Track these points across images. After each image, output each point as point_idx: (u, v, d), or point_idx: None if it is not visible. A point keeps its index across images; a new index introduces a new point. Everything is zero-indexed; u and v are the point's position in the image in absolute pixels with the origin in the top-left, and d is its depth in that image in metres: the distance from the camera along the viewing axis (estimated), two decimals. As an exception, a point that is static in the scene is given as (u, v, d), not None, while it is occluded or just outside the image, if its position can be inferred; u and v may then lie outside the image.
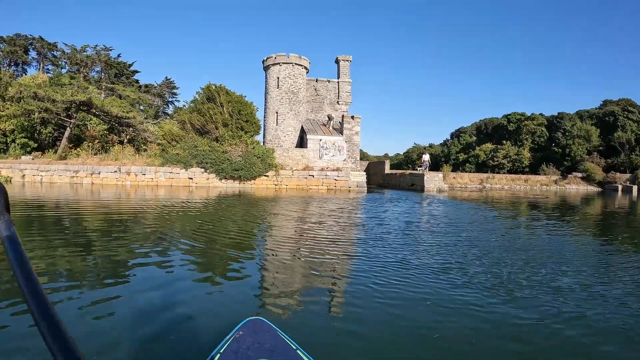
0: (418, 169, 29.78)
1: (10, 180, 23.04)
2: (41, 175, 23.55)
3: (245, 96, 26.26)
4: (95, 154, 27.29)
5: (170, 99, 51.80)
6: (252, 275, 5.15)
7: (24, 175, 23.69)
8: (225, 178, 23.80)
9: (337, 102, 31.26)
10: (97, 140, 30.09)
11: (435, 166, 44.17)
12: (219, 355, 1.89)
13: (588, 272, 5.53)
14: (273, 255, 6.45)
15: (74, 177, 23.43)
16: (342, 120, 27.21)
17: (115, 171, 23.83)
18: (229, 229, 8.87)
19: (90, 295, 4.08)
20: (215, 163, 23.55)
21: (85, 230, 8.18)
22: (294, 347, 1.99)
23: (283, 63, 29.21)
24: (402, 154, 75.85)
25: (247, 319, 2.21)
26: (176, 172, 23.81)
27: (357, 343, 3.12)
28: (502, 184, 34.79)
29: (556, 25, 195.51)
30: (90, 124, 33.37)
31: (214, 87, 26.07)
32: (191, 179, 23.84)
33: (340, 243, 7.56)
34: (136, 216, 10.57)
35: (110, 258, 5.87)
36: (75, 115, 29.97)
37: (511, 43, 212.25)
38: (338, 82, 31.47)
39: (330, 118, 29.42)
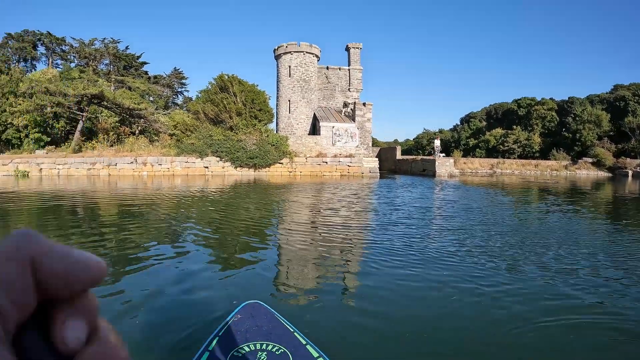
0: (435, 153, 30.44)
1: (28, 175, 23.93)
2: (58, 169, 24.32)
3: (257, 85, 27.05)
4: (111, 145, 28.12)
5: (179, 89, 52.58)
6: (265, 260, 5.27)
7: (41, 169, 24.47)
8: (241, 166, 24.62)
9: (349, 89, 31.98)
10: (111, 133, 31.00)
11: (445, 151, 44.72)
12: (217, 338, 1.96)
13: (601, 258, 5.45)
14: (287, 240, 6.63)
15: (90, 169, 24.26)
16: (354, 107, 27.96)
17: (132, 162, 24.68)
18: (244, 215, 9.20)
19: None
20: (230, 152, 24.36)
21: (106, 218, 8.78)
22: (291, 330, 2.06)
23: (294, 52, 29.89)
24: (412, 139, 76.59)
25: (245, 303, 2.27)
26: (192, 162, 24.63)
27: (369, 324, 3.22)
28: (512, 169, 35.25)
29: (567, 8, 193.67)
30: (102, 116, 34.20)
31: (226, 77, 26.82)
32: (207, 167, 24.66)
33: (354, 228, 7.71)
34: (153, 204, 11.08)
35: (127, 243, 6.26)
36: (87, 108, 30.71)
37: (522, 27, 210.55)
38: (349, 70, 32.15)
39: (346, 105, 30.16)
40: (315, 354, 1.90)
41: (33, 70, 45.35)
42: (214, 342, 1.94)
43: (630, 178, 34.89)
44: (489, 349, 2.92)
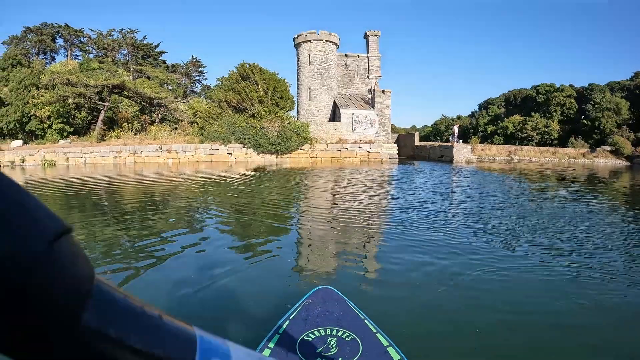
0: (452, 140, 31.32)
1: (55, 164, 25.33)
2: (85, 158, 25.53)
3: (277, 73, 28.21)
4: (135, 134, 29.42)
5: (197, 78, 54.20)
6: (290, 246, 5.49)
7: (67, 158, 25.78)
8: (263, 152, 25.85)
9: (367, 76, 33.01)
10: (136, 121, 32.40)
11: (463, 138, 45.27)
12: (288, 321, 2.01)
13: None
14: (309, 225, 6.84)
15: (116, 157, 25.50)
16: (373, 94, 29.00)
17: (157, 150, 25.92)
18: (268, 200, 9.63)
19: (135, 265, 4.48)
20: (253, 138, 25.58)
21: (137, 203, 9.33)
22: (362, 317, 2.08)
23: (314, 40, 30.91)
24: (430, 126, 76.94)
25: (317, 287, 2.31)
26: (215, 149, 25.91)
27: (438, 316, 3.23)
28: (530, 156, 35.88)
29: None
30: (122, 106, 35.72)
31: (247, 66, 28.02)
32: (230, 154, 25.92)
33: (376, 212, 8.01)
34: (179, 190, 11.76)
35: (159, 226, 6.60)
36: (108, 98, 32.08)
37: (541, 13, 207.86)
38: (368, 57, 33.16)
39: (369, 92, 31.17)
40: (385, 343, 1.93)
41: (52, 62, 47.01)
42: (285, 324, 2.00)
43: None
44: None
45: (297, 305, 2.15)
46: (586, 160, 37.66)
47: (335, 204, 9.26)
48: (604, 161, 38.10)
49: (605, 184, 16.28)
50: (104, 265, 4.46)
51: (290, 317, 2.05)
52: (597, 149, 40.28)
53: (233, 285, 3.83)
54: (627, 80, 50.59)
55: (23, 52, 44.46)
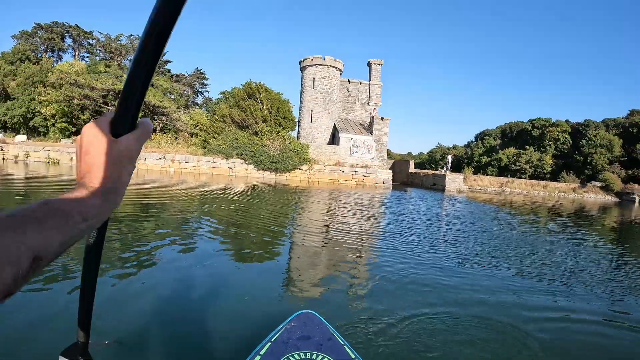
0: (446, 169, 33.10)
1: (59, 162, 26.51)
2: None
3: (282, 94, 30.02)
4: None
5: (200, 89, 55.94)
6: (281, 263, 5.82)
7: (72, 158, 26.83)
8: (263, 169, 27.42)
9: (368, 103, 35.09)
10: (140, 129, 33.80)
11: (457, 167, 47.13)
12: (270, 343, 2.08)
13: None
14: (302, 244, 7.18)
15: None
16: (372, 120, 30.88)
17: (160, 158, 27.23)
18: (263, 216, 10.09)
19: (122, 275, 4.53)
20: (254, 155, 27.16)
21: (133, 208, 9.58)
22: (342, 343, 2.14)
23: (319, 65, 32.91)
24: (425, 153, 79.88)
25: (300, 312, 2.38)
26: (217, 162, 27.38)
27: (422, 343, 3.34)
28: (521, 189, 37.33)
29: (588, 32, 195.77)
30: None
31: (254, 85, 29.81)
32: (231, 168, 27.42)
33: (367, 235, 8.51)
34: (178, 199, 12.44)
35: (152, 235, 6.80)
36: (113, 102, 33.49)
37: (542, 48, 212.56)
38: (369, 85, 35.27)
39: (370, 118, 33.02)
40: None
41: (59, 61, 48.55)
42: (267, 346, 2.05)
43: (637, 204, 36.09)
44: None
45: (279, 328, 2.23)
46: (576, 195, 39.17)
47: (327, 225, 9.82)
48: (593, 196, 39.73)
49: (586, 218, 16.96)
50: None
51: (272, 340, 2.10)
52: (588, 184, 41.93)
53: (216, 302, 3.91)
54: (623, 118, 52.57)
55: (32, 48, 45.98)
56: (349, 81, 35.10)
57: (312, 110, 33.20)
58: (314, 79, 33.07)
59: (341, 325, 3.38)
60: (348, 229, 9.10)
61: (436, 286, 4.97)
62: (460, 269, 5.96)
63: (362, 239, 7.92)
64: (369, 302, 4.25)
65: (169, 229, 7.55)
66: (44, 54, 47.92)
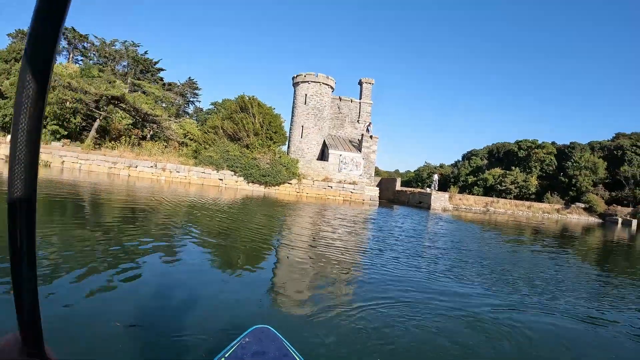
0: (432, 187, 34.21)
1: (50, 165, 26.32)
2: (80, 163, 26.71)
3: (274, 108, 30.97)
4: (132, 148, 31.15)
5: (191, 99, 56.74)
6: (263, 277, 5.89)
7: (63, 161, 26.86)
8: (253, 182, 28.18)
9: (358, 120, 36.29)
10: (133, 135, 34.41)
11: (444, 186, 48.29)
12: (223, 359, 2.05)
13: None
14: (287, 257, 7.40)
15: (112, 167, 26.85)
16: (362, 138, 31.97)
17: (152, 166, 27.64)
18: (250, 228, 10.37)
19: (99, 280, 4.59)
20: (245, 168, 27.93)
21: (120, 216, 9.86)
22: (298, 359, 2.15)
23: (312, 82, 34.12)
24: (412, 171, 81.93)
25: (254, 327, 2.38)
26: (208, 173, 28.01)
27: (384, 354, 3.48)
28: (505, 209, 38.50)
29: (576, 56, 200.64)
30: (116, 117, 37.14)
31: (247, 98, 30.72)
32: (221, 180, 28.07)
33: (352, 250, 8.82)
34: (167, 208, 12.69)
35: (136, 245, 6.79)
36: (105, 108, 33.84)
37: (531, 71, 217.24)
38: (360, 103, 36.53)
39: (360, 136, 34.05)
40: None
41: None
42: None
43: (619, 225, 37.78)
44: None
45: (233, 343, 2.20)
46: (560, 215, 40.60)
47: (311, 239, 10.16)
48: (577, 217, 41.10)
49: (567, 238, 17.06)
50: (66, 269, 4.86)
51: (225, 356, 2.08)
52: (572, 205, 43.31)
53: (177, 313, 3.88)
54: (608, 141, 54.37)
55: (26, 48, 46.13)
56: (340, 99, 36.33)
57: (303, 126, 34.28)
58: (306, 95, 34.21)
59: (299, 340, 3.40)
60: (331, 243, 9.39)
61: (404, 299, 5.21)
62: (438, 283, 6.36)
63: (343, 254, 8.12)
64: (334, 318, 4.28)
65: (153, 237, 7.62)
66: (38, 55, 48.07)
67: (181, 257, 6.33)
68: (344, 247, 9.03)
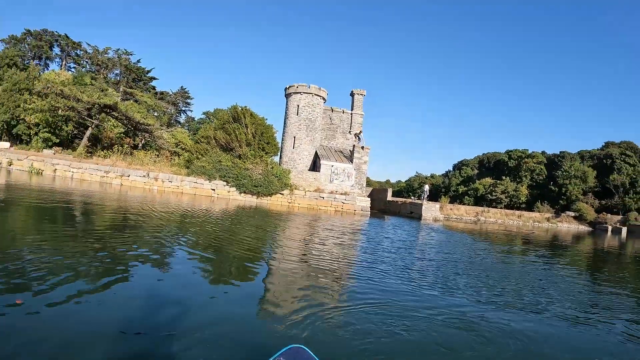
0: (423, 198, 34.63)
1: (42, 173, 26.38)
2: (72, 172, 26.82)
3: (266, 119, 31.33)
4: (124, 157, 31.34)
5: (183, 108, 57.10)
6: (256, 287, 6.01)
7: (55, 169, 26.95)
8: (245, 192, 28.44)
9: (349, 131, 36.81)
10: (125, 144, 34.59)
11: (435, 196, 48.92)
12: None
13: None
14: (279, 268, 7.49)
15: (104, 176, 26.94)
16: (353, 149, 32.42)
17: (144, 176, 27.80)
18: (242, 239, 10.47)
19: (90, 291, 4.60)
20: (237, 178, 28.20)
21: (112, 225, 10.00)
22: None
23: (304, 93, 34.62)
24: (403, 181, 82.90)
25: (290, 346, 2.39)
26: (200, 183, 28.21)
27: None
28: (496, 218, 39.12)
29: (565, 65, 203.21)
30: (108, 125, 37.41)
31: (240, 109, 31.06)
32: (214, 190, 28.26)
33: (344, 260, 9.06)
34: (160, 217, 12.79)
35: (126, 254, 6.87)
36: (97, 116, 34.02)
37: (521, 80, 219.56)
38: (351, 114, 37.09)
39: (352, 147, 34.49)
40: None
41: (46, 69, 49.13)
42: None
43: (609, 233, 38.63)
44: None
45: None
46: (550, 224, 41.18)
47: (307, 250, 10.29)
48: (567, 226, 41.74)
49: (556, 247, 17.13)
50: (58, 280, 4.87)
51: None
52: (562, 214, 44.00)
53: (196, 332, 3.83)
54: (597, 150, 55.36)
55: (19, 54, 46.36)
56: (332, 109, 36.86)
57: (295, 137, 34.70)
58: (298, 106, 34.67)
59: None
60: (327, 255, 9.56)
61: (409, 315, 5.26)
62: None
63: (343, 265, 8.33)
64: (359, 338, 4.27)
65: (146, 248, 7.64)
66: (32, 61, 48.47)
67: (171, 269, 6.36)
68: (339, 259, 9.19)
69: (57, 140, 36.40)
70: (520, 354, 4.33)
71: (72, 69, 49.73)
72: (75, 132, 36.67)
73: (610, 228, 40.49)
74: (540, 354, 4.42)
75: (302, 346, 2.41)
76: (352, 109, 37.20)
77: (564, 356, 4.46)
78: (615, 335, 5.43)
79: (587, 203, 45.94)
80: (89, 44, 49.86)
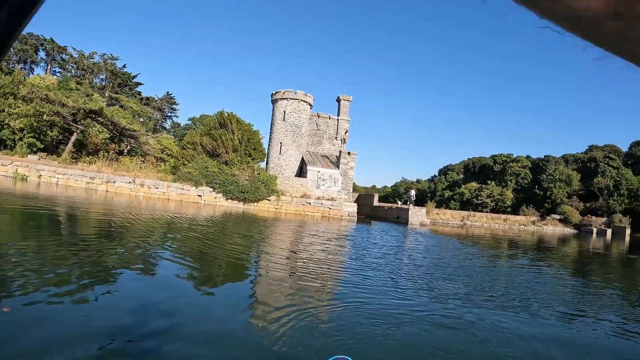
0: (410, 203, 34.88)
1: (27, 179, 26.05)
2: (57, 178, 26.63)
3: (253, 125, 31.47)
4: (109, 163, 31.10)
5: (169, 114, 56.95)
6: (242, 291, 6.11)
7: (40, 175, 26.73)
8: (232, 198, 28.48)
9: (336, 137, 37.14)
10: (111, 150, 34.36)
11: (421, 201, 49.24)
12: None
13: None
14: (266, 273, 7.56)
15: (89, 182, 26.73)
16: (339, 155, 32.65)
17: (130, 182, 27.64)
18: (229, 245, 10.57)
19: (80, 297, 4.59)
20: (224, 184, 28.25)
21: (99, 231, 10.05)
22: None
23: (290, 98, 34.86)
24: (390, 187, 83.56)
25: (334, 357, 2.43)
26: (187, 189, 28.20)
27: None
28: (482, 222, 39.60)
29: (551, 69, 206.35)
30: (93, 131, 37.04)
31: (226, 115, 31.15)
32: (200, 196, 28.29)
33: (331, 265, 9.16)
34: (146, 224, 12.86)
35: (110, 259, 6.85)
36: (83, 121, 33.75)
37: (506, 85, 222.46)
38: (338, 120, 37.41)
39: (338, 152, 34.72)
40: None
41: (31, 73, 48.52)
42: None
43: (594, 235, 39.28)
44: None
45: None
46: (536, 227, 41.64)
47: (292, 256, 10.11)
48: (552, 228, 42.35)
49: (542, 250, 17.90)
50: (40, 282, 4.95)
51: None
52: (547, 217, 44.65)
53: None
54: (582, 153, 56.38)
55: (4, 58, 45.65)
56: (318, 115, 37.13)
57: (281, 143, 34.89)
58: (284, 112, 34.89)
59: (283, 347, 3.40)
60: (317, 260, 9.56)
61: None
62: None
63: (331, 271, 8.34)
64: (308, 322, 4.56)
65: (130, 255, 7.67)
66: (16, 65, 47.90)
67: (156, 275, 6.36)
68: (337, 265, 9.32)
69: (42, 146, 35.98)
70: (512, 352, 4.43)
71: (58, 74, 49.31)
72: (60, 137, 36.25)
73: (595, 230, 41.15)
74: (533, 352, 4.51)
75: (348, 357, 2.42)
76: (338, 115, 37.52)
77: (556, 354, 4.55)
78: (605, 333, 5.61)
79: (572, 206, 46.73)
80: (74, 49, 49.57)
